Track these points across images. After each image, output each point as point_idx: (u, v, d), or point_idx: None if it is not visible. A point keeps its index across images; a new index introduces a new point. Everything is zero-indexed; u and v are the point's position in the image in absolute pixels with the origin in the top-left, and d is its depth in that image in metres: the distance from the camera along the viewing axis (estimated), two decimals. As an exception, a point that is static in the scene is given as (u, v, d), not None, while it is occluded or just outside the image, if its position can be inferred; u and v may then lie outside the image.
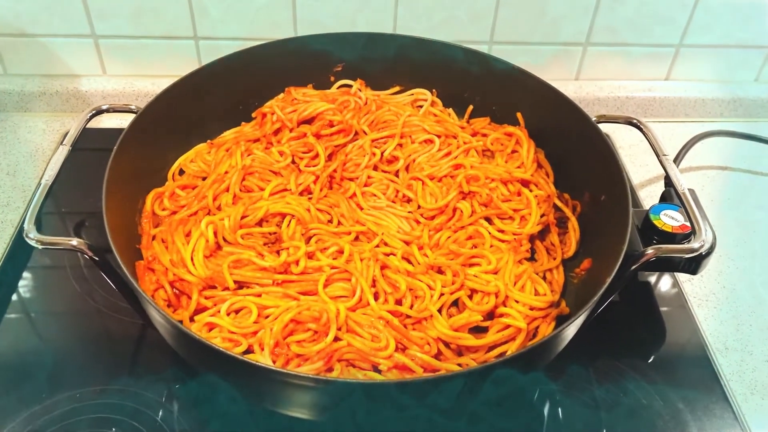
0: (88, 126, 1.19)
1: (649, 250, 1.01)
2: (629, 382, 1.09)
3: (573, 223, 1.21)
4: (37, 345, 1.13)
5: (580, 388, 1.08)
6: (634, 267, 1.01)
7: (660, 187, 1.36)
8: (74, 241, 0.98)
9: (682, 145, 1.52)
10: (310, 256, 1.11)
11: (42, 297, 1.21)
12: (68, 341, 1.14)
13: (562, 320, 1.07)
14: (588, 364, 1.11)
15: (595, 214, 1.19)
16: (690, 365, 1.14)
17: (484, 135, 1.36)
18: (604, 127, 1.22)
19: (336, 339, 0.98)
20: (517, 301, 1.06)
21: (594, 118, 1.23)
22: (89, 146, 1.17)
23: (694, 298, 1.26)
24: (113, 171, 1.08)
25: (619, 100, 1.66)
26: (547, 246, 1.20)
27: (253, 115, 1.37)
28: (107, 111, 1.23)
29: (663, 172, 1.19)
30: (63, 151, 1.12)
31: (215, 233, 1.11)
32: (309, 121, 1.34)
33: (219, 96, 1.34)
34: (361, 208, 1.20)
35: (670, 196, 1.28)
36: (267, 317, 1.03)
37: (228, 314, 1.03)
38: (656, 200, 1.30)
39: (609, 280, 0.97)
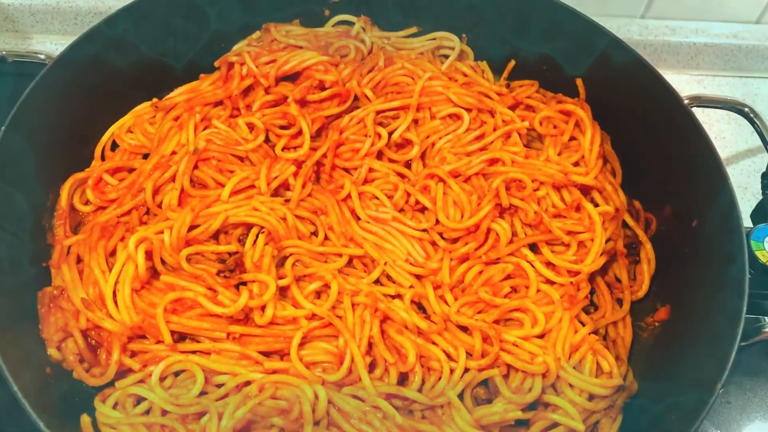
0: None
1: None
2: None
3: (647, 251, 0.97)
4: None
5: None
6: (743, 344, 0.79)
7: (742, 174, 1.09)
8: None
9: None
10: (283, 291, 0.86)
11: None
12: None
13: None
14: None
15: (678, 238, 0.96)
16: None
17: (530, 108, 1.08)
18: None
19: (312, 440, 0.76)
20: (571, 386, 0.81)
21: (686, 100, 1.02)
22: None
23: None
24: (4, 153, 0.86)
25: (695, 48, 1.41)
26: (610, 281, 0.96)
27: (216, 64, 1.11)
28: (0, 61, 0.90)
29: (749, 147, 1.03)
30: None
31: (149, 254, 0.86)
32: (292, 76, 1.08)
33: (171, 34, 1.09)
34: (358, 219, 0.95)
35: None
36: (220, 386, 0.81)
37: (163, 379, 0.82)
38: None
39: (719, 387, 0.68)
